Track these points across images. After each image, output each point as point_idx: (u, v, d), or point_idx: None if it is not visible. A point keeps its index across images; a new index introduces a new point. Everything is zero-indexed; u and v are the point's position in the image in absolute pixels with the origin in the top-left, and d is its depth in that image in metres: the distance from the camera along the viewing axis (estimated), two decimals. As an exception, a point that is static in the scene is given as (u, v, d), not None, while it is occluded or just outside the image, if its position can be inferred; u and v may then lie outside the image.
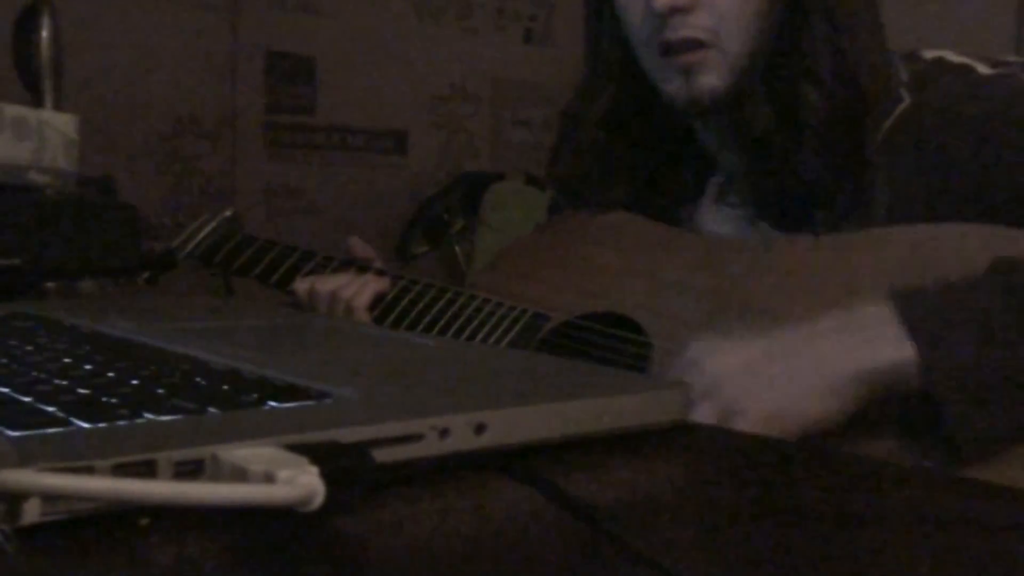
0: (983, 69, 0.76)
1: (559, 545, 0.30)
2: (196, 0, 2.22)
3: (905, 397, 0.63)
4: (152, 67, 2.16)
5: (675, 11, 0.75)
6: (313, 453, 0.30)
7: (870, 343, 0.62)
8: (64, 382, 0.39)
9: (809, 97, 0.76)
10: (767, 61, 0.78)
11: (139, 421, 0.34)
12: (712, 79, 0.77)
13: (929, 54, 0.80)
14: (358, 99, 2.45)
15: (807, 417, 0.63)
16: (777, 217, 0.80)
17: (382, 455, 0.32)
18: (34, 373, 0.41)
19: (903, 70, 0.78)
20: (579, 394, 0.41)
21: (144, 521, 0.29)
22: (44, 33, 0.90)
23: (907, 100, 0.77)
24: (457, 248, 2.23)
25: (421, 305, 0.88)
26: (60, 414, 0.34)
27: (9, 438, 0.31)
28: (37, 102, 0.90)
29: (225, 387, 0.39)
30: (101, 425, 0.33)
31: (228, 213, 1.05)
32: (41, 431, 0.32)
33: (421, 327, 0.87)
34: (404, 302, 0.89)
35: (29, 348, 0.48)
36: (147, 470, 0.29)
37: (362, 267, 0.93)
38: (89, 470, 0.28)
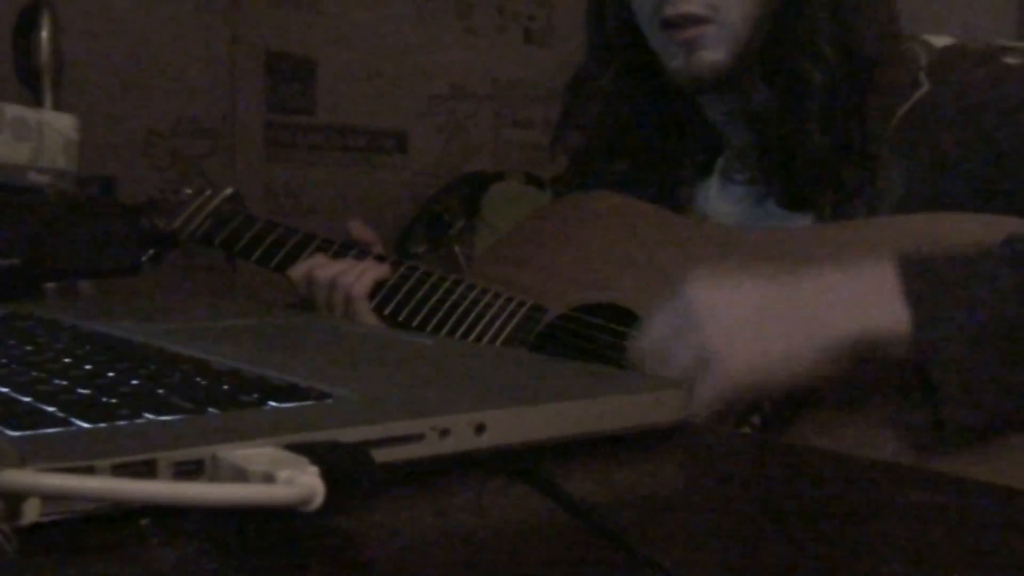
0: (1009, 58, 0.75)
1: (559, 545, 0.30)
2: (196, 0, 2.22)
3: (893, 366, 0.61)
4: (152, 67, 2.16)
5: None
6: (313, 453, 0.30)
7: (866, 307, 0.60)
8: (64, 382, 0.39)
9: (810, 73, 0.76)
10: (767, 37, 0.78)
11: (139, 421, 0.34)
12: (713, 54, 0.77)
13: (949, 40, 0.79)
14: (358, 99, 2.45)
15: (785, 378, 0.61)
16: (783, 195, 0.80)
17: (382, 455, 0.32)
18: (34, 373, 0.41)
19: (923, 55, 0.77)
20: (579, 394, 0.41)
21: (144, 521, 0.29)
22: (44, 33, 0.90)
23: (926, 86, 0.76)
24: (457, 248, 2.23)
25: (420, 294, 0.87)
26: (60, 414, 0.34)
27: (9, 438, 0.31)
28: (37, 102, 0.90)
29: (225, 387, 0.39)
30: (101, 425, 0.33)
31: (229, 191, 1.04)
32: (41, 431, 0.32)
33: (420, 317, 0.86)
34: (403, 291, 0.88)
35: (29, 348, 0.48)
36: (147, 470, 0.29)
37: (362, 252, 0.93)
38: (89, 470, 0.28)
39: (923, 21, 0.92)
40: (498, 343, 0.82)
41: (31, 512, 0.27)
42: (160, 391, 0.38)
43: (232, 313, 0.69)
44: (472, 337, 0.83)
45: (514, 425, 0.37)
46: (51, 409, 0.34)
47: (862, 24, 0.77)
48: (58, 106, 0.90)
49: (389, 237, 2.22)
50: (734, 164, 0.85)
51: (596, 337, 0.79)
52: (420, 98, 2.57)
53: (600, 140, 0.89)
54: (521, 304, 0.83)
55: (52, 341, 0.50)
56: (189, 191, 1.04)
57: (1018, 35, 2.08)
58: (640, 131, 0.88)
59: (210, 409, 0.35)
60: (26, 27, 0.90)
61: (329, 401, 0.38)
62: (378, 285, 0.89)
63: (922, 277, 0.60)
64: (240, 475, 0.29)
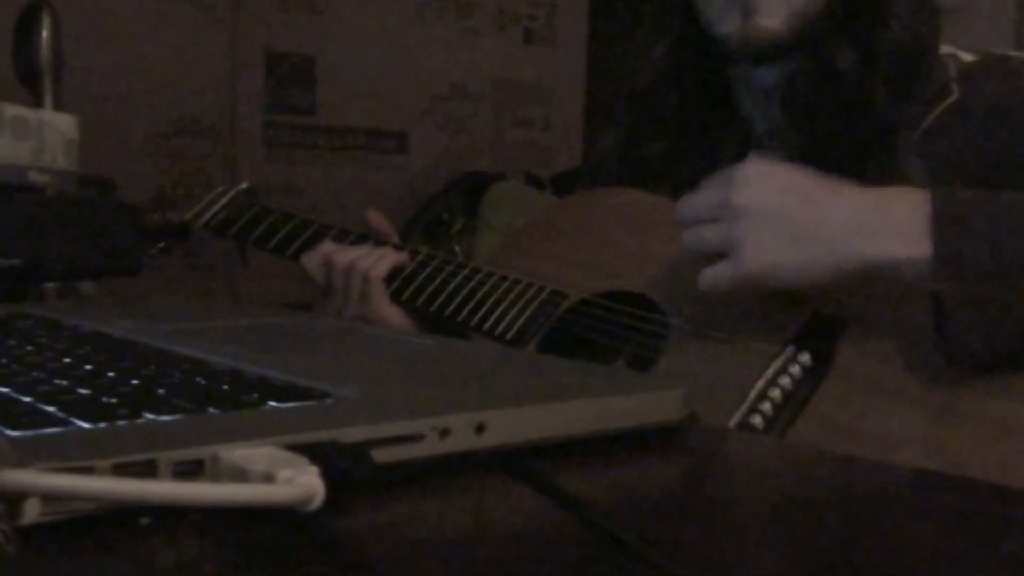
0: None
1: (559, 545, 0.30)
2: (196, 0, 2.22)
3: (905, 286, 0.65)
4: (152, 67, 2.16)
5: None
6: (313, 453, 0.30)
7: (889, 234, 0.64)
8: (64, 382, 0.39)
9: (886, 43, 0.77)
10: (843, 5, 0.79)
11: (139, 421, 0.34)
12: (771, 21, 0.78)
13: (976, 54, 0.81)
14: (358, 99, 2.45)
15: (801, 280, 0.66)
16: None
17: (382, 455, 0.32)
18: (34, 373, 0.41)
19: (952, 65, 0.79)
20: (579, 394, 0.41)
21: (144, 521, 0.29)
22: (44, 33, 0.90)
23: (956, 94, 0.77)
24: (457, 248, 2.23)
25: (438, 281, 0.87)
26: (60, 414, 0.34)
27: (9, 438, 0.31)
28: (37, 102, 0.90)
29: (225, 387, 0.39)
30: (101, 425, 0.33)
31: (244, 186, 1.05)
32: (41, 431, 0.32)
33: (438, 302, 0.86)
34: (422, 277, 0.88)
35: (29, 348, 0.48)
36: (147, 470, 0.29)
37: (379, 241, 0.93)
38: (89, 470, 0.28)
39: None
40: (517, 326, 0.82)
41: (31, 512, 0.27)
42: (160, 391, 0.38)
43: (232, 313, 0.69)
44: (491, 320, 0.83)
45: (514, 425, 0.37)
46: (51, 409, 0.34)
47: (929, 3, 0.80)
48: (58, 106, 0.90)
49: (389, 237, 2.21)
50: (764, 150, 0.85)
51: (615, 320, 0.79)
52: (420, 98, 2.57)
53: (646, 113, 0.90)
54: (541, 289, 0.83)
55: (52, 341, 0.50)
56: (203, 187, 1.05)
57: (1017, 39, 2.08)
58: (682, 108, 0.89)
59: (210, 409, 0.35)
60: (26, 27, 0.90)
61: (329, 401, 0.38)
62: (396, 271, 0.89)
63: (950, 212, 0.63)
64: (240, 475, 0.29)
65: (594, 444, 0.40)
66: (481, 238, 1.94)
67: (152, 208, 1.04)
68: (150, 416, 0.34)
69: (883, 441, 0.64)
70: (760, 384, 0.68)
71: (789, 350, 0.70)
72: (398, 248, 0.91)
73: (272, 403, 0.37)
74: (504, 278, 0.85)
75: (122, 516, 0.28)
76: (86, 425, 0.33)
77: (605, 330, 0.79)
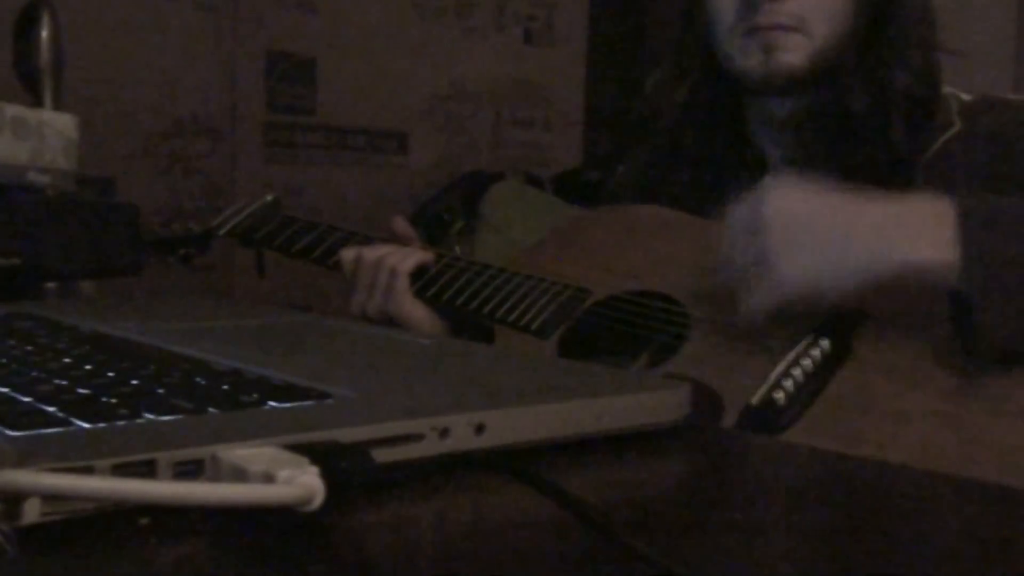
0: None
1: (559, 545, 0.30)
2: (196, 0, 2.22)
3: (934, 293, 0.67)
4: (152, 67, 2.16)
5: None
6: (313, 453, 0.30)
7: (916, 240, 0.66)
8: (64, 382, 0.39)
9: (901, 82, 0.80)
10: (860, 45, 0.81)
11: (139, 421, 0.34)
12: (793, 58, 0.81)
13: (974, 94, 0.84)
14: (358, 99, 2.45)
15: (834, 290, 0.67)
16: None
17: (382, 455, 0.32)
18: (34, 373, 0.41)
19: (954, 101, 0.83)
20: (579, 394, 0.41)
21: (144, 521, 0.29)
22: (44, 33, 0.90)
23: (957, 126, 0.81)
24: (457, 248, 2.22)
25: (463, 280, 0.89)
26: (60, 414, 0.34)
27: (9, 438, 0.31)
28: (37, 102, 0.90)
29: (225, 387, 0.39)
30: (101, 425, 0.33)
31: (269, 198, 1.08)
32: (41, 431, 0.32)
33: (463, 297, 0.88)
34: (447, 275, 0.90)
35: (29, 348, 0.48)
36: (147, 470, 0.29)
37: (404, 245, 0.96)
38: (89, 470, 0.28)
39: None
40: (542, 318, 0.83)
41: (31, 512, 0.27)
42: (160, 391, 0.38)
43: (232, 313, 0.69)
44: (516, 313, 0.84)
45: (514, 425, 0.37)
46: (51, 409, 0.34)
47: (937, 40, 0.83)
48: (58, 106, 0.90)
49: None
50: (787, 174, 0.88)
51: (638, 315, 0.80)
52: (420, 98, 2.57)
53: (667, 152, 0.93)
54: (566, 286, 0.84)
55: (52, 341, 0.50)
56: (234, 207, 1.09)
57: (1016, 44, 2.08)
58: (701, 145, 0.91)
59: (210, 409, 0.35)
60: (26, 27, 0.90)
61: (329, 401, 0.38)
62: (421, 270, 0.92)
63: (974, 215, 0.66)
64: (240, 475, 0.29)
65: (594, 444, 0.40)
66: (481, 238, 1.94)
67: (170, 219, 1.07)
68: (150, 416, 0.34)
69: (897, 417, 0.65)
70: (782, 366, 0.71)
71: (809, 337, 0.73)
72: (424, 249, 0.94)
73: (272, 403, 0.37)
74: (529, 276, 0.87)
75: (122, 516, 0.28)
76: (86, 425, 0.33)
77: (630, 323, 0.81)
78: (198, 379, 0.41)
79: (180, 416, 0.34)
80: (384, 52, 2.48)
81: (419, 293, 0.90)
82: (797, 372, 0.70)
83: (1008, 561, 0.31)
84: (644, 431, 0.41)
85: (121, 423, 0.33)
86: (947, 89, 0.84)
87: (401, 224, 0.99)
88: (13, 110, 0.81)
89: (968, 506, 0.36)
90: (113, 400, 0.36)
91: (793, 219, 0.68)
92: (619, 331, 0.81)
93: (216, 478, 0.30)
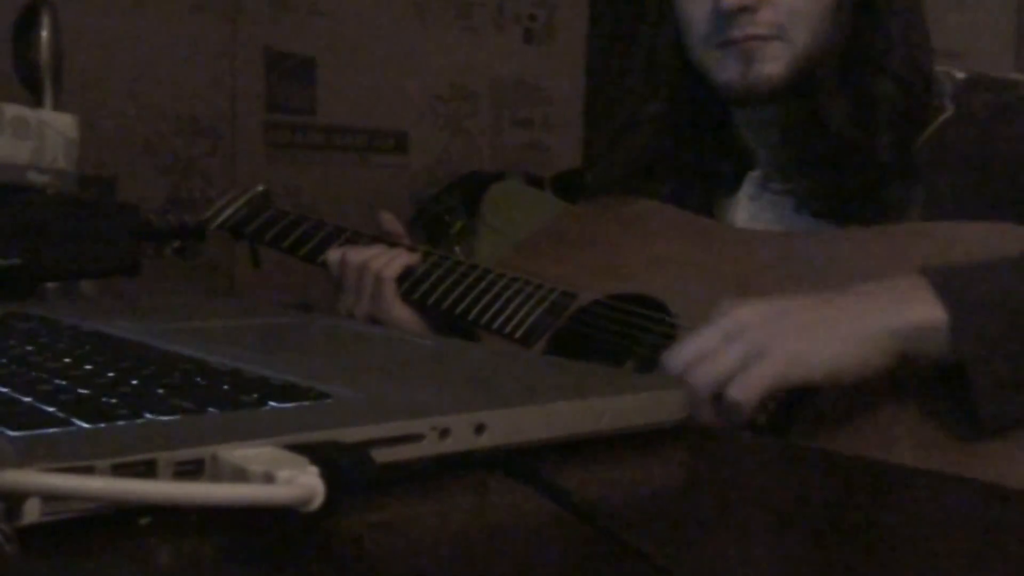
0: None
1: (559, 545, 0.30)
2: (196, 0, 2.22)
3: (931, 364, 0.63)
4: (152, 67, 2.16)
5: (743, 10, 0.77)
6: (313, 453, 0.30)
7: (902, 304, 0.63)
8: (64, 382, 0.39)
9: (884, 89, 0.78)
10: (841, 53, 0.79)
11: (139, 421, 0.34)
12: (773, 67, 0.78)
13: (968, 72, 0.81)
14: (358, 99, 2.45)
15: (832, 363, 0.62)
16: (824, 206, 0.81)
17: (382, 455, 0.32)
18: (34, 373, 0.41)
19: (947, 83, 0.80)
20: (579, 394, 0.41)
21: (144, 521, 0.29)
22: (44, 33, 0.90)
23: (950, 110, 0.78)
24: (457, 248, 2.22)
25: (449, 281, 0.88)
26: (60, 414, 0.34)
27: (9, 438, 0.31)
28: (37, 102, 0.90)
29: (225, 387, 0.39)
30: (101, 425, 0.33)
31: (260, 188, 1.07)
32: (41, 431, 0.32)
33: (448, 301, 0.87)
34: (433, 277, 0.89)
35: (29, 348, 0.48)
36: (147, 470, 0.29)
37: (392, 243, 0.94)
38: (89, 470, 0.28)
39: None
40: (526, 325, 0.82)
41: (31, 512, 0.27)
42: (160, 391, 0.38)
43: (232, 313, 0.69)
44: (501, 319, 0.83)
45: (514, 425, 0.37)
46: (51, 409, 0.34)
47: (925, 41, 0.80)
48: (58, 106, 0.90)
49: (389, 237, 2.21)
50: (771, 176, 0.86)
51: (625, 322, 0.79)
52: (420, 98, 2.57)
53: (644, 167, 0.90)
54: (552, 290, 0.83)
55: (52, 341, 0.50)
56: (224, 194, 1.07)
57: (1016, 44, 2.08)
58: (682, 154, 0.89)
59: (210, 409, 0.35)
60: (26, 27, 0.90)
61: (329, 401, 0.38)
62: (407, 271, 0.90)
63: (950, 279, 0.63)
64: (240, 475, 0.29)
65: (594, 444, 0.40)
66: (481, 238, 1.94)
67: (166, 209, 1.06)
68: (150, 416, 0.34)
69: (882, 439, 0.64)
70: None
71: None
72: (410, 249, 0.93)
73: (272, 403, 0.37)
74: (515, 279, 0.85)
75: (122, 516, 0.28)
76: (86, 425, 0.33)
77: (615, 331, 0.80)
78: (198, 379, 0.41)
79: (180, 416, 0.34)
80: (384, 52, 2.48)
81: (405, 295, 0.89)
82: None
83: (1008, 561, 0.31)
84: (644, 431, 0.41)
85: (121, 423, 0.33)
86: (941, 68, 0.81)
87: (389, 220, 0.98)
88: (13, 110, 0.81)
89: (968, 506, 0.36)
90: (113, 400, 0.36)
91: (772, 315, 0.64)
92: (603, 340, 0.80)
93: (216, 478, 0.30)
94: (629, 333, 0.79)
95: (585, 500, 0.33)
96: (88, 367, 0.43)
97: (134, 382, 0.40)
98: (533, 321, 0.82)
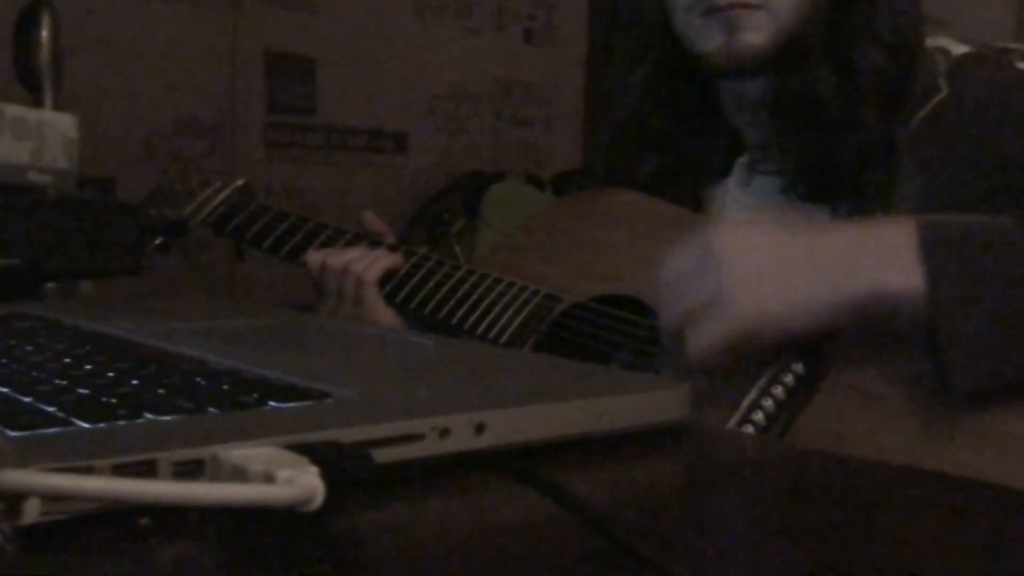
0: (1021, 63, 0.76)
1: (559, 545, 0.30)
2: (196, 0, 2.22)
3: (904, 325, 0.62)
4: (152, 67, 2.16)
5: None
6: (313, 453, 0.30)
7: (881, 266, 0.62)
8: (64, 382, 0.39)
9: (870, 57, 0.76)
10: (826, 23, 0.78)
11: (139, 421, 0.34)
12: (756, 37, 0.77)
13: (966, 47, 0.79)
14: (358, 99, 2.45)
15: (793, 327, 0.62)
16: (811, 186, 0.80)
17: (382, 455, 0.32)
18: (34, 373, 0.41)
19: (941, 61, 0.78)
20: (579, 394, 0.41)
21: (144, 521, 0.29)
22: (44, 33, 0.90)
23: (944, 91, 0.76)
24: (457, 248, 2.23)
25: (432, 283, 0.87)
26: (60, 414, 0.34)
27: (9, 438, 0.31)
28: (37, 102, 0.90)
29: (225, 387, 0.39)
30: (101, 425, 0.33)
31: (240, 182, 1.06)
32: (41, 431, 0.32)
33: (431, 305, 0.86)
34: (415, 279, 0.88)
35: (29, 348, 0.48)
36: (147, 470, 0.29)
37: (375, 242, 0.93)
38: (89, 470, 0.28)
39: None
40: (510, 331, 0.81)
41: (31, 512, 0.27)
42: (160, 391, 0.38)
43: (232, 313, 0.69)
44: (484, 324, 0.83)
45: (514, 425, 0.37)
46: (51, 409, 0.34)
47: (911, 10, 0.78)
48: (58, 106, 0.90)
49: (389, 237, 2.22)
50: (757, 156, 0.85)
51: (609, 325, 0.79)
52: (420, 98, 2.57)
53: (630, 138, 0.89)
54: (535, 293, 0.82)
55: (52, 341, 0.50)
56: (198, 181, 1.05)
57: (1017, 34, 2.08)
58: (668, 130, 0.88)
59: (210, 409, 0.35)
60: (26, 27, 0.90)
61: (329, 401, 0.38)
62: (389, 274, 0.89)
63: (939, 238, 0.61)
64: (240, 475, 0.29)
65: (594, 444, 0.40)
66: (481, 238, 1.94)
67: (149, 204, 1.04)
68: (150, 416, 0.34)
69: (873, 453, 0.63)
70: (753, 394, 0.67)
71: (783, 358, 0.69)
72: (392, 249, 0.91)
73: (272, 403, 0.37)
74: (498, 281, 0.84)
75: (122, 516, 0.28)
76: (86, 425, 0.33)
77: (598, 335, 0.79)
78: (198, 379, 0.41)
79: (180, 416, 0.34)
80: (384, 52, 2.48)
81: (388, 298, 0.88)
82: (768, 403, 0.66)
83: (1008, 561, 0.31)
84: (644, 431, 0.41)
85: (121, 423, 0.33)
86: (935, 43, 0.79)
87: (372, 220, 0.96)
88: (13, 110, 0.81)
89: (968, 506, 0.36)
90: (113, 400, 0.36)
91: (749, 252, 0.63)
92: (587, 344, 0.79)
93: (216, 478, 0.30)
94: (611, 338, 0.79)
95: (585, 500, 0.33)
96: (88, 367, 0.43)
97: (134, 382, 0.40)
98: (517, 326, 0.81)
